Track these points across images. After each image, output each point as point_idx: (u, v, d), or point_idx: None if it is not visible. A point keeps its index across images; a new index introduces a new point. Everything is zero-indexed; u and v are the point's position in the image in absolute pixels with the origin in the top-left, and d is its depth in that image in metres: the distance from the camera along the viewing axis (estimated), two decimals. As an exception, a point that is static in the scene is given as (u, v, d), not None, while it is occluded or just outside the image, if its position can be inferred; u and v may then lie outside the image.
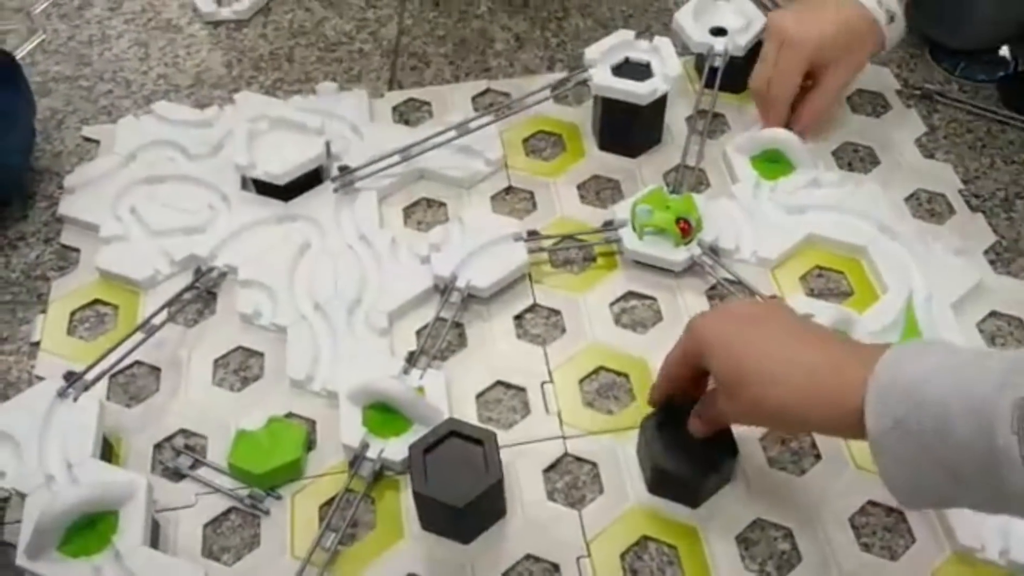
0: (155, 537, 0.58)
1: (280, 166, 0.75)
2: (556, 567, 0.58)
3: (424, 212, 0.79)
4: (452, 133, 0.79)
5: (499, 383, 0.67)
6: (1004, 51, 0.89)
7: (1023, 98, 0.85)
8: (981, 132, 0.84)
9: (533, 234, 0.74)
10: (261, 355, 0.69)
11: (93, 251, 0.75)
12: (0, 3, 1.00)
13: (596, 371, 0.67)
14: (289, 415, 0.65)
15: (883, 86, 0.87)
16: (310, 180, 0.77)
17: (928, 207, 0.78)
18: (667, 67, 0.78)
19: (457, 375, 0.67)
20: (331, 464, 0.63)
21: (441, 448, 0.58)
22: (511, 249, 0.72)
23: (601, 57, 0.79)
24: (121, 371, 0.68)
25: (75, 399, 0.62)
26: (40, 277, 0.75)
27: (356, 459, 0.61)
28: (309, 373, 0.66)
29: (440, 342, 0.68)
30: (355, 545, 0.59)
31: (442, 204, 0.79)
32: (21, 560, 0.54)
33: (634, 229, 0.73)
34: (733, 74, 0.82)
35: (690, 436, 0.58)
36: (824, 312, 0.65)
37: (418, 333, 0.69)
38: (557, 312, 0.71)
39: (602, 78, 0.77)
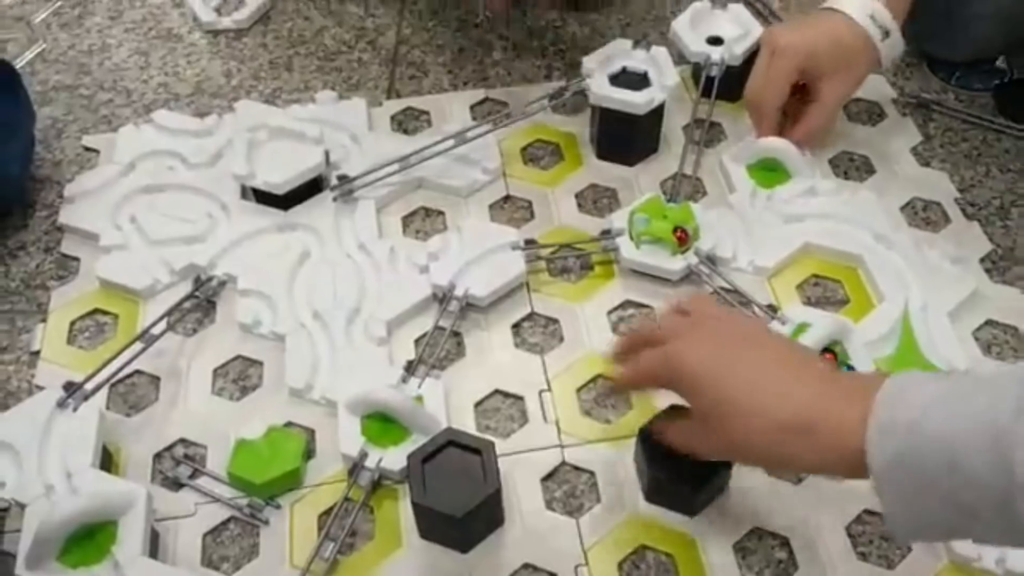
0: (154, 547, 0.58)
1: (279, 175, 0.75)
2: (554, 576, 0.58)
3: (423, 221, 0.79)
4: (450, 142, 0.79)
5: (497, 392, 0.67)
6: (1000, 61, 0.89)
7: (1019, 107, 0.85)
8: (977, 141, 0.84)
9: (531, 243, 0.74)
10: (260, 364, 0.69)
11: (93, 260, 0.75)
12: (0, 12, 1.00)
13: (594, 380, 0.67)
14: (288, 424, 0.66)
15: (879, 95, 0.88)
16: (309, 189, 0.78)
17: (924, 216, 0.78)
18: (664, 76, 0.79)
19: (455, 384, 0.67)
20: (330, 473, 0.63)
21: (439, 457, 0.58)
22: (509, 258, 0.72)
23: (598, 66, 0.79)
24: (121, 380, 0.68)
25: (75, 409, 0.62)
26: (40, 286, 0.75)
27: (355, 468, 0.61)
28: (308, 382, 0.66)
29: (438, 351, 0.68)
30: (354, 554, 0.60)
31: (440, 213, 0.79)
32: (21, 570, 0.54)
33: (631, 238, 0.73)
34: (730, 83, 0.82)
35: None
36: (820, 321, 0.66)
37: (416, 342, 0.70)
38: (555, 321, 0.71)
39: (599, 87, 0.78)
